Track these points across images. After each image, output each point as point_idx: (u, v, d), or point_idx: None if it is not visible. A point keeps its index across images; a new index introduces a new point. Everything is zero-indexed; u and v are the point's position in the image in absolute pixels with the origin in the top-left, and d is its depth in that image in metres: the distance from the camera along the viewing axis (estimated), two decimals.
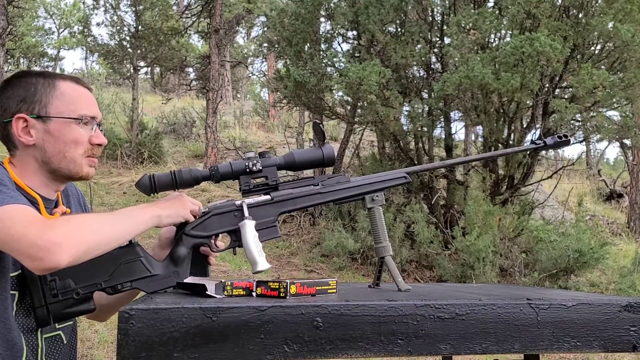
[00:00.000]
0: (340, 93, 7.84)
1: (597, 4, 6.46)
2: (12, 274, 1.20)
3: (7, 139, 1.29)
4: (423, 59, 7.34)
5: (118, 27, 12.30)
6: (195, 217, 1.25)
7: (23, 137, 1.26)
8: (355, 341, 0.94)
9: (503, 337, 1.00)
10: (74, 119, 1.28)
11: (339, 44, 8.42)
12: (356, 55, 7.77)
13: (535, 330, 1.01)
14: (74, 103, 1.29)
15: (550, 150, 1.80)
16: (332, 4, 7.79)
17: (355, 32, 7.89)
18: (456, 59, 6.43)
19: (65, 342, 1.33)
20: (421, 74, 7.86)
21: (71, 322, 1.35)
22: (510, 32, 6.62)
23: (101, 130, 1.35)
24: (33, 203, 1.24)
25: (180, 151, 12.30)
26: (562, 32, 6.17)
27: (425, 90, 7.60)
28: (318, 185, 1.29)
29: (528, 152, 6.34)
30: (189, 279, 1.17)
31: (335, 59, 7.78)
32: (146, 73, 21.63)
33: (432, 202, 7.42)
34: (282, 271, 6.74)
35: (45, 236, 1.03)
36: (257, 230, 1.19)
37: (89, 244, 1.08)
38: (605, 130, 6.85)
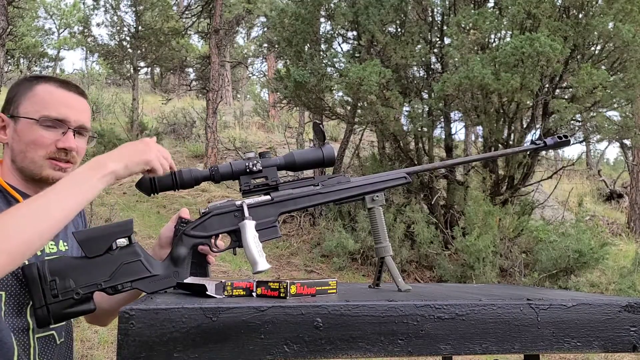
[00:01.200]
0: (340, 93, 7.84)
1: (597, 4, 6.46)
2: None
3: None
4: (423, 59, 7.34)
5: (118, 28, 12.30)
6: (163, 168, 1.19)
7: (0, 135, 1.32)
8: (356, 341, 0.94)
9: (503, 337, 1.00)
10: (34, 119, 1.29)
11: (339, 44, 8.43)
12: (356, 55, 7.77)
13: (535, 330, 1.01)
14: (41, 104, 1.30)
15: (550, 151, 1.80)
16: (332, 4, 7.79)
17: (355, 33, 7.88)
18: (456, 59, 6.43)
19: (58, 342, 1.32)
20: (421, 74, 7.86)
21: (64, 322, 1.35)
22: (511, 32, 6.62)
23: (84, 135, 1.34)
24: (11, 203, 1.23)
25: (180, 151, 12.30)
26: (562, 32, 6.17)
27: (425, 91, 7.60)
28: (318, 185, 1.29)
29: (528, 153, 6.34)
30: (189, 279, 1.17)
31: (335, 59, 7.78)
32: (146, 73, 21.64)
33: (432, 202, 7.42)
34: (282, 271, 6.73)
35: None
36: (257, 231, 1.19)
37: (26, 242, 1.00)
38: (605, 131, 6.85)
